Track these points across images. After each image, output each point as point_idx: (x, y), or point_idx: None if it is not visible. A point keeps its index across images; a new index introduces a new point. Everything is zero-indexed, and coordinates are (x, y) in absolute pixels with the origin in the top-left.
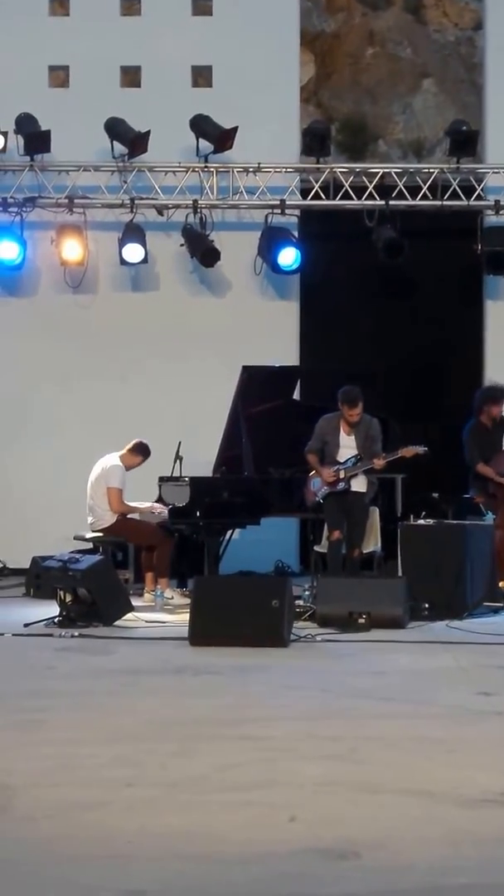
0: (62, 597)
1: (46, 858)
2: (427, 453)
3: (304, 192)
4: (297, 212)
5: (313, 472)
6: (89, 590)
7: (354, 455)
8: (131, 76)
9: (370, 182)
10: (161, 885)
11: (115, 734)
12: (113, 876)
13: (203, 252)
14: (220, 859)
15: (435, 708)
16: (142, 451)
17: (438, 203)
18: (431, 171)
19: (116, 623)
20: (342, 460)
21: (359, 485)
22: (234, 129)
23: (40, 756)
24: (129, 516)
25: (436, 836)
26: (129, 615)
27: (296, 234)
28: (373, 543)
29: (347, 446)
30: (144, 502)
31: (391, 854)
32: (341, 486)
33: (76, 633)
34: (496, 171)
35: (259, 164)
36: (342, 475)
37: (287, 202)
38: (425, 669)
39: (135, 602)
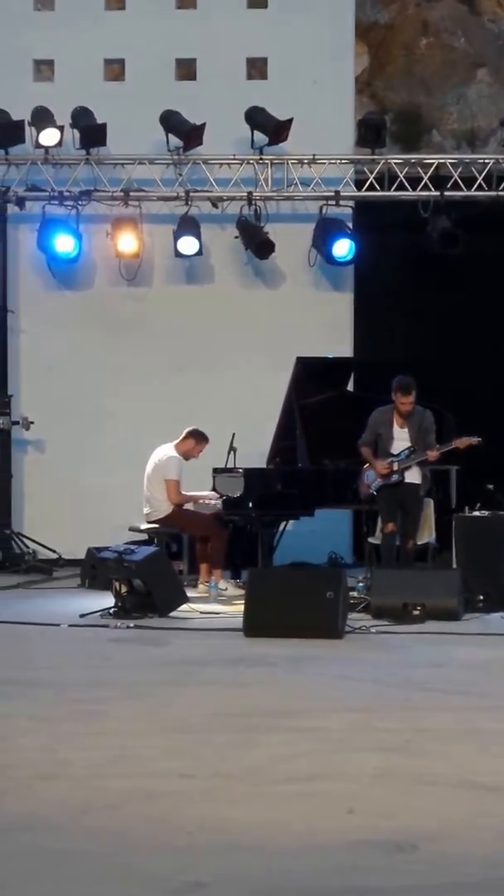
0: (118, 588)
1: (106, 849)
2: (480, 443)
3: (359, 184)
4: (351, 203)
5: (367, 464)
6: (144, 581)
7: (408, 447)
8: (186, 69)
9: (425, 173)
10: (220, 876)
11: (172, 725)
12: (172, 867)
13: (257, 244)
14: (278, 851)
15: (491, 700)
16: (196, 436)
17: (493, 193)
18: (486, 161)
19: (171, 614)
20: (396, 452)
21: (413, 476)
22: (289, 121)
23: (99, 746)
24: (184, 507)
25: (492, 828)
26: (184, 606)
27: (350, 225)
28: (427, 535)
29: (401, 438)
30: (201, 492)
31: (447, 846)
32: (395, 477)
33: (131, 624)
34: None
35: (314, 155)
36: (396, 467)
37: (341, 193)
38: (481, 661)
39: (189, 593)
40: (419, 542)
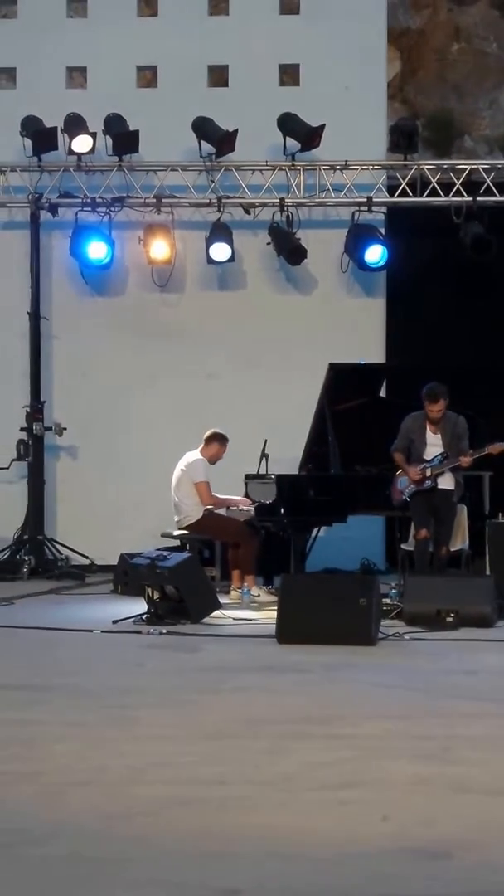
0: (150, 594)
1: (141, 856)
2: None
3: (391, 189)
4: (383, 209)
5: (400, 470)
6: (177, 587)
7: (441, 453)
8: (218, 75)
9: (457, 178)
10: (255, 883)
11: (206, 731)
12: (207, 874)
13: (289, 250)
14: (313, 858)
15: None
16: (218, 438)
17: None
18: None
19: (203, 620)
20: (429, 458)
21: (446, 482)
22: (322, 127)
23: (133, 753)
24: (216, 512)
25: None
26: (217, 612)
27: (382, 231)
28: (460, 541)
29: (434, 444)
30: (233, 496)
31: (483, 854)
32: (428, 483)
33: (164, 631)
34: None
35: (346, 161)
36: (429, 473)
37: (374, 199)
38: None
39: (221, 600)
40: (452, 549)
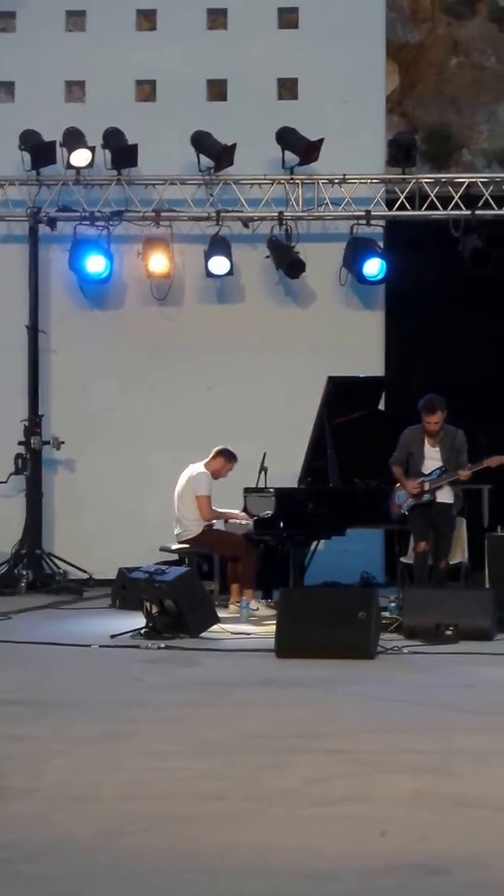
0: (148, 608)
1: (138, 872)
2: None
3: (390, 203)
4: (382, 222)
5: (398, 484)
6: (175, 601)
7: (440, 467)
8: (217, 89)
9: (455, 192)
10: None
11: (205, 747)
12: (204, 891)
13: (288, 263)
14: (311, 874)
15: None
16: (226, 455)
17: None
18: None
19: (202, 635)
20: (427, 472)
21: (445, 496)
22: (320, 141)
23: (130, 768)
24: (214, 527)
25: None
26: (215, 627)
27: (381, 244)
28: (459, 555)
29: (432, 458)
30: (233, 510)
31: (483, 869)
32: (426, 497)
33: (162, 645)
34: None
35: (344, 175)
36: (427, 487)
37: (372, 213)
38: None
39: (220, 613)
40: (452, 562)
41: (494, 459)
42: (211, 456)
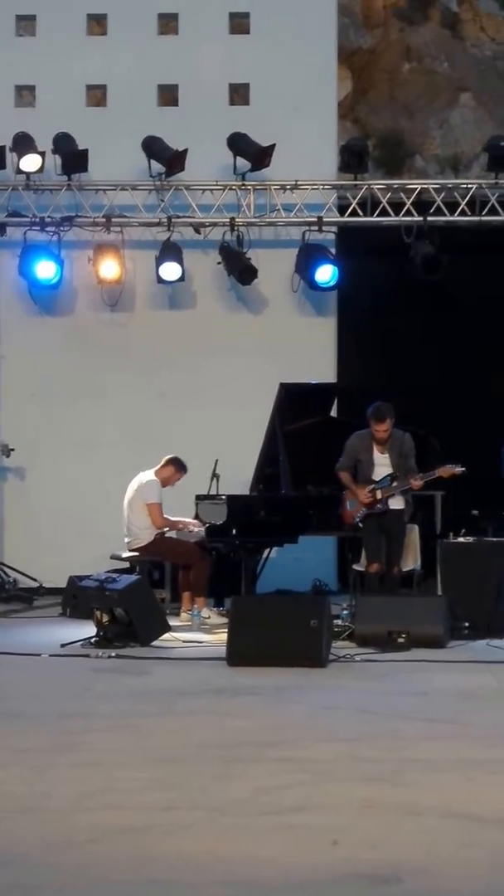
0: (99, 617)
1: (86, 884)
2: (464, 472)
3: (342, 209)
4: (334, 229)
5: (348, 491)
6: (126, 610)
7: (390, 473)
8: (168, 94)
9: (408, 198)
10: None
11: (154, 756)
12: None
13: (240, 270)
14: (261, 885)
15: (477, 729)
16: (176, 464)
17: (476, 219)
18: (469, 186)
19: (153, 643)
20: (377, 479)
21: (396, 502)
22: (272, 147)
23: (79, 779)
24: (166, 535)
25: (479, 860)
26: (166, 635)
27: (333, 250)
28: (412, 562)
29: (382, 464)
30: (184, 518)
31: (434, 879)
32: (379, 507)
33: (113, 654)
34: None
35: (296, 181)
36: (379, 496)
37: (324, 219)
38: (466, 689)
39: (172, 622)
40: (404, 569)
41: (446, 469)
42: (161, 464)
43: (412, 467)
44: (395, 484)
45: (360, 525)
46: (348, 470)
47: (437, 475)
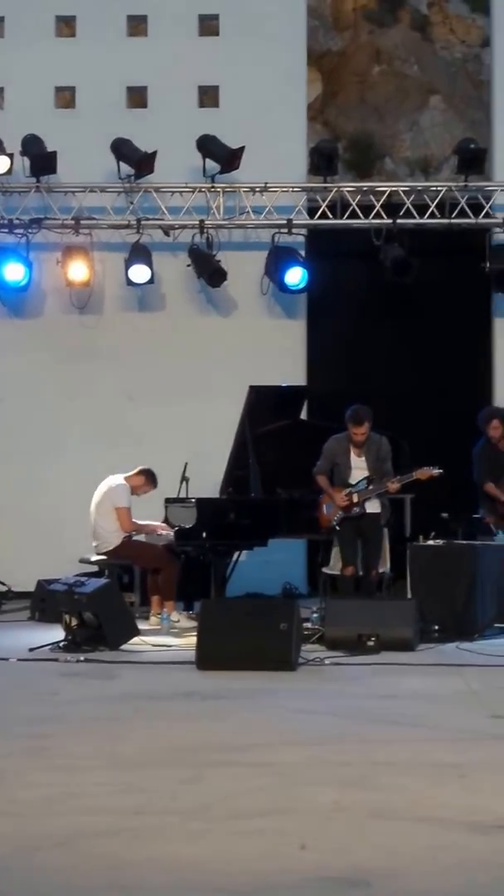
0: (67, 621)
1: (52, 889)
2: (441, 475)
3: (311, 212)
4: (303, 231)
5: (325, 495)
6: (95, 614)
7: (366, 477)
8: (137, 96)
9: (377, 201)
10: None
11: (123, 761)
12: None
13: (210, 272)
14: (229, 889)
15: (446, 732)
16: (148, 475)
17: (446, 221)
18: (439, 188)
19: (122, 647)
20: (353, 482)
21: (373, 506)
22: (241, 149)
23: (46, 783)
24: (134, 538)
25: (449, 863)
26: (135, 639)
27: (303, 253)
28: (382, 564)
29: (358, 467)
30: (152, 522)
31: (403, 882)
32: (356, 510)
33: (82, 658)
34: None
35: (266, 183)
36: (356, 499)
37: (294, 221)
38: (436, 692)
39: (141, 626)
40: None
41: (423, 472)
42: (134, 472)
43: (389, 470)
44: (371, 487)
45: (338, 529)
46: (325, 473)
47: (415, 478)
